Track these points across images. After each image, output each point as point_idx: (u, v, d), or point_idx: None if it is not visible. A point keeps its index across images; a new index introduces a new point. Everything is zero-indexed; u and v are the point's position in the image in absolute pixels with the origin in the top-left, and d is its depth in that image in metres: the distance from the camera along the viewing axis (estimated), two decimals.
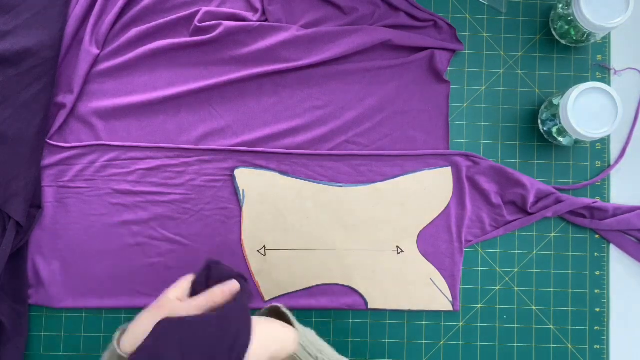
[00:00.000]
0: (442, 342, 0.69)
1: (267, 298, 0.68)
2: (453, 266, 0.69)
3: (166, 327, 0.44)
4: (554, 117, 0.66)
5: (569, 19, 0.67)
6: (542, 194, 0.69)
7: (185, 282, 0.52)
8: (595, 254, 0.70)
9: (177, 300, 0.50)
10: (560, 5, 0.68)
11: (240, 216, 0.68)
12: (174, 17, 0.69)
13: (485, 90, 0.72)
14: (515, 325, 0.69)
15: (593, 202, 0.69)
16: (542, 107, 0.69)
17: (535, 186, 0.68)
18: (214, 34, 0.68)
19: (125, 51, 0.69)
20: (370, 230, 0.69)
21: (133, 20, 0.70)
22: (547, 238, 0.70)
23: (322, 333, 0.68)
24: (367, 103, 0.70)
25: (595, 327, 0.69)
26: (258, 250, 0.68)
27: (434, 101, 0.71)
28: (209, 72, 0.70)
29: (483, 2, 0.72)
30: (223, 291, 0.51)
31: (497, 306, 0.69)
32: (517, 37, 0.72)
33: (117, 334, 0.49)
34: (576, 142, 0.67)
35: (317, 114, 0.70)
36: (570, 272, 0.70)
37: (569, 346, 0.69)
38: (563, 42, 0.71)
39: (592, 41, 0.70)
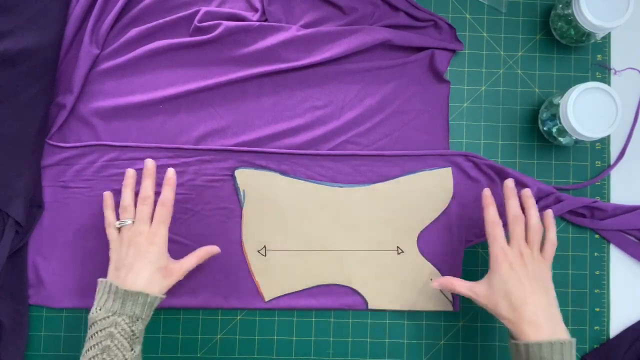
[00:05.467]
0: (442, 342, 0.69)
1: (267, 298, 0.68)
2: (453, 266, 0.69)
3: None
4: (554, 117, 0.66)
5: (569, 19, 0.67)
6: (542, 194, 0.69)
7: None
8: (595, 254, 0.70)
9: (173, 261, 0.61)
10: (560, 5, 0.68)
11: (240, 216, 0.68)
12: (174, 17, 0.69)
13: (485, 90, 0.72)
14: None
15: (593, 202, 0.69)
16: (542, 107, 0.69)
17: (535, 186, 0.68)
18: (214, 34, 0.68)
19: (125, 51, 0.69)
20: (371, 231, 0.69)
21: (133, 20, 0.70)
22: None
23: (322, 333, 0.68)
24: (367, 103, 0.70)
25: (595, 327, 0.69)
26: (258, 251, 0.68)
27: (434, 101, 0.71)
28: (209, 72, 0.70)
29: (483, 2, 0.72)
30: (208, 252, 0.63)
31: None
32: (517, 37, 0.72)
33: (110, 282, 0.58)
34: (576, 142, 0.67)
35: (317, 114, 0.70)
36: (570, 272, 0.70)
37: None
38: (563, 42, 0.71)
39: (592, 41, 0.70)
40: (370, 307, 0.68)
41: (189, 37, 0.69)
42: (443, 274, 0.69)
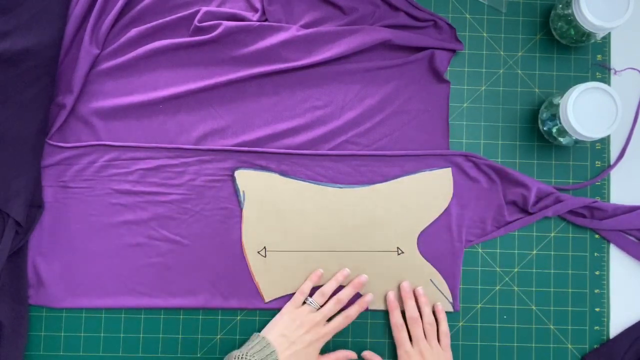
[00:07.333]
0: None
1: (267, 299, 0.68)
2: (453, 266, 0.69)
3: None
4: (554, 117, 0.66)
5: (569, 19, 0.67)
6: (542, 194, 0.69)
7: None
8: (595, 254, 0.70)
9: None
10: (560, 5, 0.68)
11: (240, 216, 0.68)
12: (174, 17, 0.69)
13: (485, 90, 0.72)
14: (515, 325, 0.69)
15: (593, 202, 0.69)
16: (542, 107, 0.69)
17: (535, 186, 0.68)
18: (214, 34, 0.68)
19: (125, 51, 0.69)
20: (371, 231, 0.69)
21: (133, 20, 0.70)
22: (547, 238, 0.70)
23: None
24: (367, 103, 0.70)
25: (595, 327, 0.69)
26: (258, 252, 0.68)
27: (434, 101, 0.71)
28: (209, 72, 0.70)
29: (483, 2, 0.72)
30: (346, 356, 0.66)
31: (497, 306, 0.69)
32: (517, 37, 0.72)
33: None
34: (576, 142, 0.67)
35: (317, 114, 0.70)
36: (570, 272, 0.70)
37: (569, 346, 0.69)
38: (563, 42, 0.71)
39: (592, 41, 0.70)
40: (370, 307, 0.68)
41: (189, 37, 0.69)
42: (443, 274, 0.69)
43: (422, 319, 0.67)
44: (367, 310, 0.68)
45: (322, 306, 0.66)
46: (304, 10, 0.71)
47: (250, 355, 0.60)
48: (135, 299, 0.68)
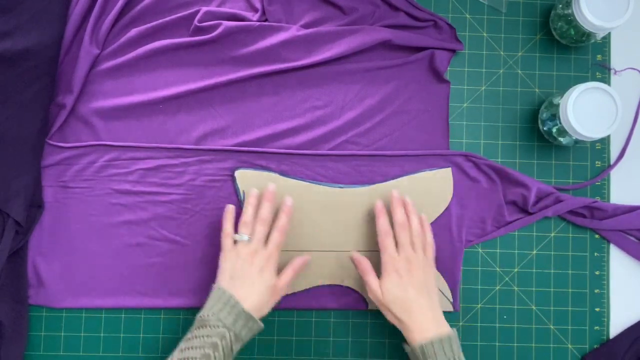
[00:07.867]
0: None
1: None
2: (453, 266, 0.69)
3: None
4: (554, 117, 0.66)
5: (569, 19, 0.67)
6: (542, 194, 0.69)
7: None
8: (595, 254, 0.70)
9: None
10: (560, 5, 0.68)
11: (240, 216, 0.68)
12: (174, 17, 0.69)
13: (485, 90, 0.72)
14: (515, 325, 0.69)
15: (593, 202, 0.69)
16: (542, 107, 0.69)
17: (535, 186, 0.68)
18: (214, 34, 0.68)
19: (125, 51, 0.69)
20: (371, 231, 0.69)
21: (133, 20, 0.70)
22: (547, 238, 0.70)
23: (322, 333, 0.68)
24: (367, 103, 0.70)
25: (595, 327, 0.69)
26: None
27: (434, 101, 0.71)
28: (209, 72, 0.70)
29: (483, 2, 0.72)
30: (302, 262, 0.64)
31: (497, 306, 0.69)
32: (517, 37, 0.72)
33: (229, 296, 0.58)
34: (576, 142, 0.67)
35: (317, 114, 0.70)
36: (570, 272, 0.70)
37: (569, 346, 0.69)
38: (563, 42, 0.71)
39: (592, 41, 0.70)
40: (370, 307, 0.68)
41: (189, 37, 0.69)
42: (443, 274, 0.68)
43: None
44: (367, 310, 0.68)
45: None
46: (304, 10, 0.71)
47: (208, 309, 0.58)
48: (135, 299, 0.68)
